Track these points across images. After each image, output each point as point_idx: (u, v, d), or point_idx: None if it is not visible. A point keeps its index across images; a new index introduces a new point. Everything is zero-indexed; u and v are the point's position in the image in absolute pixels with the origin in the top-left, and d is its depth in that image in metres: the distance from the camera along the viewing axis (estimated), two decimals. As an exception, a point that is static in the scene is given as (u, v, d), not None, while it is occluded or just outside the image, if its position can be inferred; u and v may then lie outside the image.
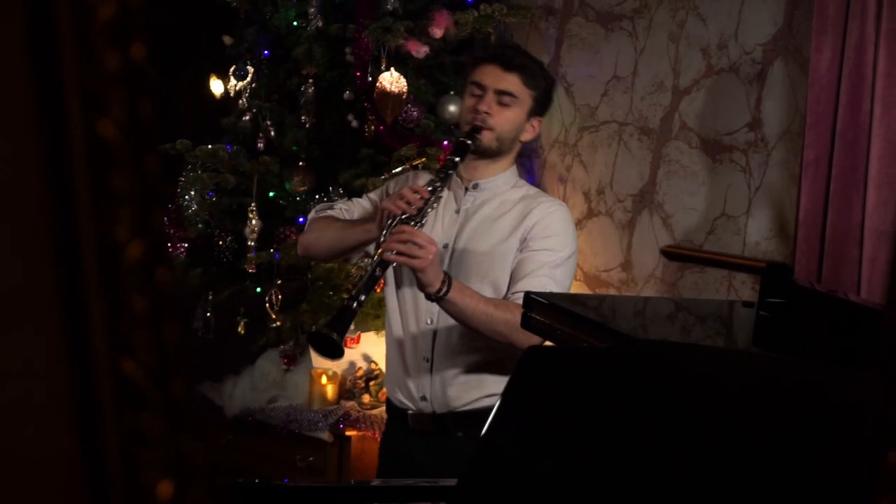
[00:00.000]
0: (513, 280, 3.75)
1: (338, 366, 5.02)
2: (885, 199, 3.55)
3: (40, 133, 0.77)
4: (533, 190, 4.01)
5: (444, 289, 3.54)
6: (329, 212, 4.09)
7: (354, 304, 3.50)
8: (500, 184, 3.92)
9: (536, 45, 5.40)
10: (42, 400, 0.79)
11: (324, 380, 4.94)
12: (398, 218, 3.59)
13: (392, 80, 4.89)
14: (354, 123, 5.15)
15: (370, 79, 4.97)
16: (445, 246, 3.85)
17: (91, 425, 0.80)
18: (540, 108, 3.90)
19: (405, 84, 4.92)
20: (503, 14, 5.05)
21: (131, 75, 0.78)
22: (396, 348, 3.94)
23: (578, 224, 5.09)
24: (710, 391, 1.86)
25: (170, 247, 5.41)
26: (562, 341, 2.75)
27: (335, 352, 3.48)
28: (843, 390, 1.71)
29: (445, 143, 4.96)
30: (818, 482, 1.62)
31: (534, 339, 3.42)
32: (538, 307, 2.87)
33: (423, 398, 3.85)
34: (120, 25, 0.78)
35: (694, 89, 4.57)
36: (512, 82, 3.81)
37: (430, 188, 3.65)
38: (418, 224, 3.59)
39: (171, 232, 5.40)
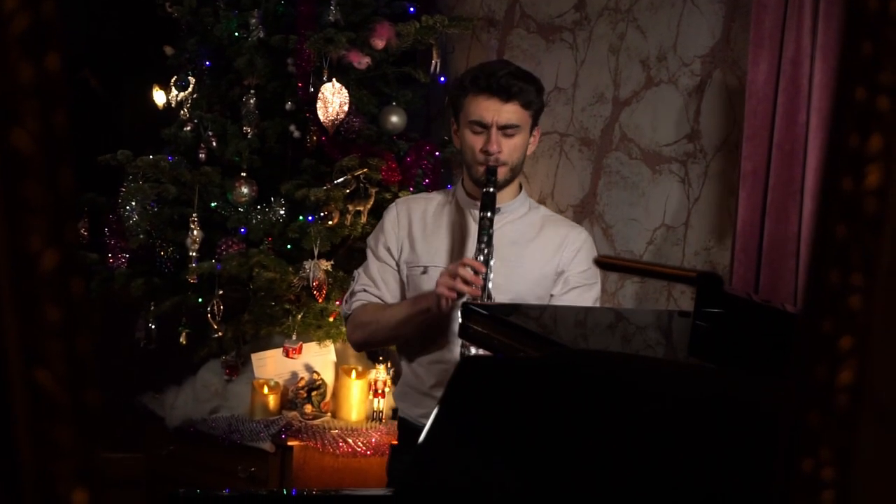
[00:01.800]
0: None
1: (280, 376, 5.01)
2: (812, 220, 3.59)
3: (-47, 143, 0.77)
4: (547, 211, 4.02)
5: None
6: (361, 298, 3.96)
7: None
8: (517, 206, 3.89)
9: (478, 57, 5.41)
10: (-44, 410, 0.79)
11: (265, 390, 4.93)
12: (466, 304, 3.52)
13: (334, 91, 4.89)
14: (296, 134, 5.14)
15: (312, 89, 4.97)
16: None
17: (5, 435, 0.80)
18: (538, 119, 3.85)
19: (347, 95, 4.92)
20: (445, 25, 5.06)
21: (46, 86, 0.78)
22: (421, 368, 3.88)
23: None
24: (640, 401, 1.87)
25: (111, 258, 5.38)
26: (500, 351, 2.75)
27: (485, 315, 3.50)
28: (772, 400, 1.73)
29: (387, 153, 4.96)
30: (743, 490, 1.64)
31: None
32: (475, 317, 2.88)
33: None
34: (34, 36, 0.78)
35: (634, 101, 4.60)
36: (513, 113, 3.70)
37: (481, 258, 3.60)
38: (486, 301, 3.56)
39: (112, 242, 5.38)
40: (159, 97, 5.61)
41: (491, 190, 3.68)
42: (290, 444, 4.80)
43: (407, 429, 3.93)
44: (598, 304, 3.80)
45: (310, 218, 4.92)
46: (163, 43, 5.61)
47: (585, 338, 3.08)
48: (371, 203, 4.87)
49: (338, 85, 4.91)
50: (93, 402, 0.82)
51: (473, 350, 3.44)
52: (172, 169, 5.15)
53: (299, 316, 5.01)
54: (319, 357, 5.06)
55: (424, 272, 3.85)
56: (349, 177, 4.85)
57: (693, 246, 4.30)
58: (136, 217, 5.19)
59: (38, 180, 0.77)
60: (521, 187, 3.95)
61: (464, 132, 3.79)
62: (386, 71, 5.22)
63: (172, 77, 5.47)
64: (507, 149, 3.72)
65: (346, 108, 4.92)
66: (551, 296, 3.78)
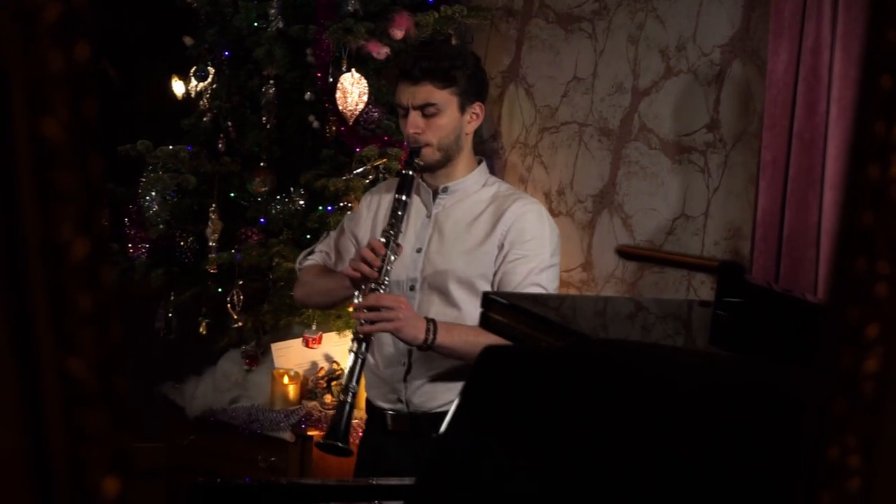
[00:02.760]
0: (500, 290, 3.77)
1: (300, 366, 5.02)
2: (838, 207, 3.58)
3: (-16, 133, 0.77)
4: (504, 187, 4.02)
5: (431, 336, 3.57)
6: (312, 259, 4.10)
7: (349, 398, 3.56)
8: (469, 184, 3.93)
9: (497, 47, 5.41)
10: (-13, 398, 0.80)
11: (286, 380, 4.94)
12: (363, 287, 3.63)
13: (353, 81, 4.90)
14: (315, 124, 5.15)
15: (331, 80, 4.97)
16: (419, 250, 3.86)
17: (36, 424, 0.80)
18: (471, 95, 3.88)
19: (366, 85, 4.92)
20: (463, 15, 5.06)
21: (75, 75, 0.79)
22: (376, 351, 3.94)
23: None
24: (664, 391, 1.87)
25: (131, 248, 5.39)
26: (520, 341, 2.76)
27: (345, 453, 3.63)
28: (797, 390, 1.73)
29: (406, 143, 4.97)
30: (769, 480, 1.64)
31: None
32: (497, 307, 2.88)
33: (399, 400, 3.86)
34: (65, 25, 0.78)
35: (653, 90, 4.59)
36: (425, 92, 3.80)
37: (384, 240, 3.66)
38: (382, 284, 3.61)
39: (132, 233, 5.39)
40: (178, 87, 5.62)
41: (408, 172, 3.76)
42: (309, 433, 4.82)
43: (368, 409, 4.09)
44: (544, 276, 3.75)
45: (329, 208, 4.92)
46: (182, 33, 5.62)
47: (605, 327, 3.08)
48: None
49: (357, 75, 4.91)
50: (123, 390, 0.82)
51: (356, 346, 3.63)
52: (192, 159, 5.16)
53: (318, 306, 5.02)
54: (339, 347, 5.07)
55: None
56: (368, 167, 4.85)
57: (712, 236, 4.29)
58: (155, 207, 5.21)
59: (67, 169, 0.78)
60: (479, 164, 3.98)
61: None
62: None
63: (191, 67, 5.48)
64: (431, 128, 3.80)
65: (365, 98, 4.92)
66: (495, 273, 3.80)
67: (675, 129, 4.48)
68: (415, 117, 3.80)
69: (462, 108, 3.84)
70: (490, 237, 3.80)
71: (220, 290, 5.19)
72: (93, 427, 0.81)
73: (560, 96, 5.08)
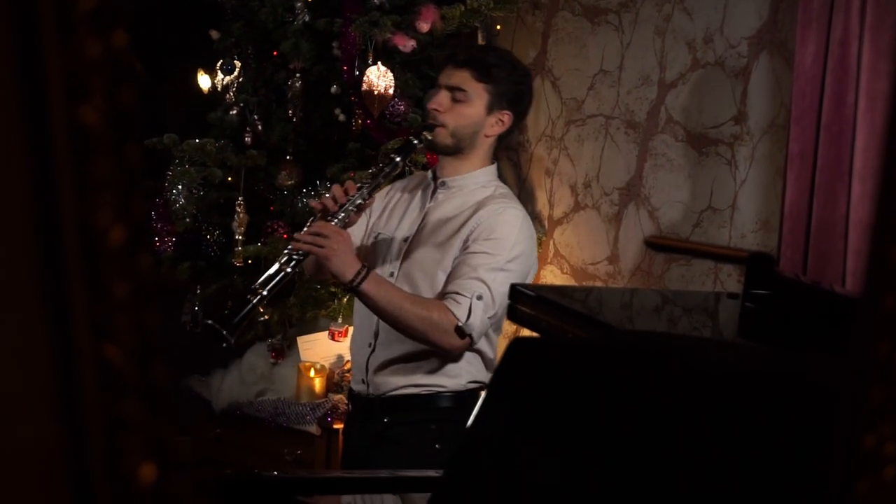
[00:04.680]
0: (448, 280, 3.75)
1: (325, 359, 5.03)
2: (869, 192, 3.57)
3: (22, 120, 0.77)
4: (501, 191, 3.98)
5: (358, 280, 3.58)
6: None
7: (256, 299, 3.56)
8: (468, 183, 3.92)
9: (523, 40, 5.41)
10: (24, 385, 0.80)
11: (312, 373, 4.94)
12: (318, 215, 3.67)
13: (379, 75, 4.90)
14: (342, 118, 5.15)
15: (357, 73, 4.97)
16: (405, 239, 3.88)
17: (73, 410, 0.80)
18: (502, 101, 3.87)
19: (392, 78, 4.92)
20: (490, 8, 5.05)
21: (113, 62, 0.79)
22: (354, 334, 4.03)
23: (565, 218, 5.10)
24: (695, 382, 1.87)
25: (157, 241, 5.40)
26: (547, 333, 2.75)
27: (225, 342, 3.58)
28: (828, 379, 1.72)
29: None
30: (803, 469, 1.63)
31: (454, 341, 3.53)
32: (524, 298, 2.87)
33: (363, 381, 3.89)
34: (102, 13, 0.78)
35: (680, 83, 4.59)
36: (461, 77, 3.82)
37: (360, 186, 3.68)
38: (338, 220, 3.62)
39: (159, 226, 5.40)
40: (204, 81, 5.63)
41: (414, 140, 3.78)
42: (336, 427, 4.82)
43: (350, 397, 4.12)
44: (493, 276, 3.73)
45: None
46: (208, 27, 5.62)
47: (631, 320, 3.08)
48: (416, 186, 4.87)
49: (383, 68, 4.91)
50: (160, 376, 0.82)
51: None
52: (218, 153, 5.17)
53: (345, 299, 5.03)
54: (365, 340, 5.08)
55: (375, 238, 4.01)
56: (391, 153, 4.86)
57: (739, 229, 4.28)
58: (182, 201, 5.22)
59: (106, 156, 0.78)
60: (483, 165, 3.96)
61: None
62: (431, 54, 5.20)
63: (218, 61, 5.49)
64: (452, 113, 3.82)
65: (391, 91, 4.92)
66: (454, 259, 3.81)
67: (702, 121, 4.47)
68: (442, 96, 3.82)
69: (490, 109, 3.84)
70: (459, 232, 3.81)
71: (246, 283, 5.20)
72: (129, 414, 0.81)
73: (586, 89, 5.07)
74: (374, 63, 4.92)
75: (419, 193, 3.99)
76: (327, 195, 3.70)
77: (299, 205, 5.08)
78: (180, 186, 5.21)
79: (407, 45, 4.99)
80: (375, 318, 3.80)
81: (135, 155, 0.79)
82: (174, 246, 5.39)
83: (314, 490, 2.92)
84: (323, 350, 5.07)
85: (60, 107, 0.77)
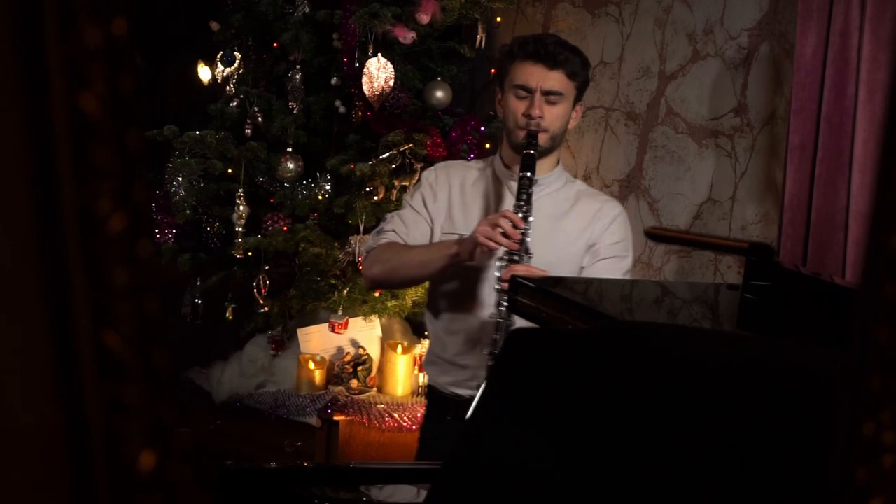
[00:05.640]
0: None
1: (325, 351, 5.03)
2: (869, 183, 3.57)
3: (22, 107, 0.77)
4: (584, 185, 4.01)
5: None
6: (388, 237, 4.00)
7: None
8: (554, 179, 3.91)
9: (523, 31, 5.40)
10: (24, 372, 0.80)
11: (311, 365, 4.95)
12: (504, 256, 3.58)
13: (379, 66, 4.90)
14: (342, 109, 5.15)
15: (357, 65, 4.98)
16: None
17: (73, 398, 0.80)
18: (581, 94, 3.87)
19: (392, 70, 4.92)
20: (490, 0, 5.05)
21: (113, 50, 0.79)
22: (452, 338, 3.89)
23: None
24: (694, 372, 1.87)
25: (158, 233, 5.41)
26: (547, 324, 2.75)
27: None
28: (827, 369, 1.73)
29: (433, 128, 4.96)
30: (802, 458, 1.64)
31: None
32: (524, 290, 2.88)
33: (477, 387, 3.82)
34: (102, 1, 0.78)
35: (680, 75, 4.59)
36: (558, 80, 3.75)
37: (521, 215, 3.62)
38: (528, 255, 3.59)
39: (159, 218, 5.40)
40: (204, 73, 5.63)
41: (532, 152, 3.72)
42: (336, 418, 4.82)
43: (435, 396, 3.99)
44: (627, 277, 3.78)
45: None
46: (208, 19, 5.63)
47: (632, 311, 3.07)
48: (416, 178, 4.86)
49: (383, 60, 4.91)
50: (161, 363, 0.82)
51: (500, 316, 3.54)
52: (218, 144, 5.17)
53: (345, 291, 5.03)
54: (365, 332, 5.08)
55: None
56: (394, 152, 4.86)
57: (739, 220, 4.29)
58: (182, 192, 5.22)
59: (106, 143, 0.78)
60: (558, 161, 3.96)
61: (508, 97, 3.82)
62: (431, 46, 5.21)
63: (218, 53, 5.49)
64: (550, 116, 3.75)
65: (391, 83, 4.92)
66: (581, 268, 3.79)
67: (703, 113, 4.47)
68: (541, 101, 3.76)
69: (574, 104, 3.83)
70: (582, 234, 3.79)
71: (246, 275, 5.20)
72: (128, 401, 0.81)
73: (586, 80, 5.07)
74: (374, 54, 4.92)
75: (493, 188, 3.92)
76: (501, 236, 3.56)
77: (299, 196, 5.08)
78: (180, 178, 5.21)
79: (407, 36, 4.99)
80: (494, 324, 3.71)
81: (135, 142, 0.79)
82: (174, 238, 5.40)
83: (314, 480, 2.93)
84: (323, 342, 5.07)
85: (60, 94, 0.77)
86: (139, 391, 0.81)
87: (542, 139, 3.77)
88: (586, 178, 5.02)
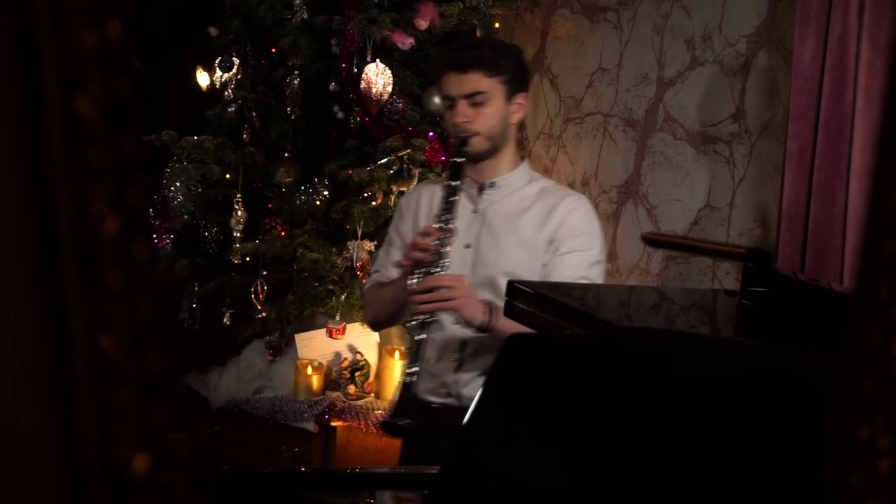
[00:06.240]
0: None
1: (323, 356, 5.03)
2: (867, 189, 3.57)
3: (17, 110, 0.77)
4: (549, 183, 4.01)
5: (490, 318, 3.56)
6: (374, 279, 4.06)
7: (409, 380, 3.55)
8: (516, 179, 3.91)
9: (522, 37, 5.41)
10: (18, 375, 0.80)
11: (309, 370, 4.95)
12: (420, 271, 3.61)
13: (377, 72, 4.90)
14: (340, 115, 5.16)
15: (356, 70, 4.98)
16: (468, 246, 3.84)
17: (67, 400, 0.80)
18: (516, 85, 3.86)
19: (390, 76, 4.92)
20: (488, 6, 5.05)
21: (108, 52, 0.79)
22: (426, 348, 3.92)
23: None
24: (691, 378, 1.87)
25: (156, 238, 5.41)
26: (545, 329, 2.76)
27: (407, 433, 3.60)
28: (824, 375, 1.73)
29: (431, 133, 4.95)
30: (798, 464, 1.64)
31: None
32: (521, 295, 2.88)
33: (450, 394, 3.84)
34: (97, 3, 0.78)
35: (678, 81, 4.59)
36: (474, 81, 3.77)
37: (438, 226, 3.64)
38: (441, 267, 3.60)
39: (157, 223, 5.40)
40: (203, 78, 5.63)
41: (458, 160, 3.75)
42: (333, 424, 4.82)
43: (416, 402, 3.98)
44: (593, 271, 3.75)
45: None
46: (207, 24, 5.63)
47: (629, 317, 3.08)
48: (414, 184, 4.87)
49: (381, 66, 4.91)
50: (154, 367, 0.82)
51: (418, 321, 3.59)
52: (216, 150, 5.18)
53: (343, 296, 5.03)
54: (363, 338, 5.07)
55: None
56: (392, 157, 4.86)
57: (737, 227, 4.29)
58: (180, 198, 5.23)
59: (100, 146, 0.78)
60: (522, 159, 3.97)
61: (444, 111, 3.91)
62: (429, 52, 5.21)
63: (216, 58, 5.49)
64: (479, 118, 3.77)
65: (389, 88, 4.93)
66: (543, 265, 3.78)
67: (701, 119, 4.47)
68: (463, 107, 3.77)
69: (508, 98, 3.82)
70: (541, 231, 3.79)
71: (244, 280, 5.20)
72: (122, 404, 0.81)
73: (585, 87, 5.08)
74: (373, 60, 4.93)
75: (458, 198, 3.94)
76: (415, 251, 3.62)
77: (297, 202, 5.08)
78: (178, 183, 5.21)
79: (405, 42, 5.00)
80: (463, 331, 3.76)
81: (130, 145, 0.79)
82: (172, 243, 5.40)
83: (311, 485, 2.93)
84: (321, 347, 5.07)
85: (55, 97, 0.77)
86: (132, 394, 0.81)
87: (477, 142, 3.79)
88: (584, 184, 5.03)
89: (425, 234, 3.63)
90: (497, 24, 5.39)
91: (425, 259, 3.60)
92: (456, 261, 3.78)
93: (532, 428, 2.07)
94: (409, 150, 4.87)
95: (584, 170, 5.04)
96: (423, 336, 3.59)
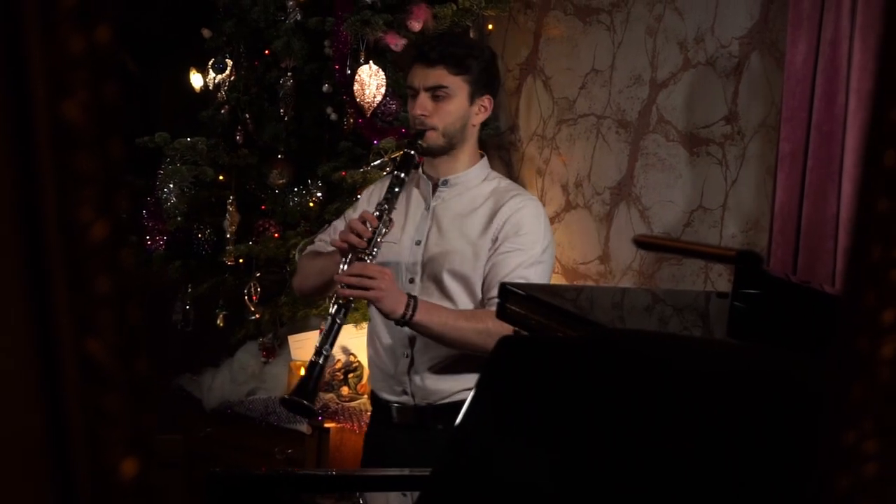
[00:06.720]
0: (487, 286, 3.76)
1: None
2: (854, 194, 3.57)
3: (4, 115, 0.77)
4: (504, 182, 4.01)
5: (409, 312, 3.56)
6: (311, 247, 4.10)
7: (321, 360, 3.54)
8: (470, 178, 3.92)
9: (515, 39, 5.41)
10: (6, 380, 0.80)
11: (302, 372, 4.94)
12: (350, 255, 3.62)
13: (371, 74, 4.90)
14: (333, 116, 5.16)
15: (349, 72, 4.98)
16: (418, 243, 3.86)
17: (55, 405, 0.81)
18: (482, 87, 3.87)
19: (384, 77, 4.93)
20: (481, 7, 5.05)
21: (96, 58, 0.79)
22: (378, 343, 3.94)
23: (556, 217, 5.11)
24: (683, 380, 1.87)
25: (148, 240, 5.41)
26: (537, 332, 2.76)
27: (310, 413, 3.60)
28: (814, 377, 1.73)
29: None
30: (787, 467, 1.64)
31: None
32: (514, 298, 2.88)
33: (405, 392, 3.85)
34: (85, 8, 0.78)
35: (671, 83, 4.59)
36: (438, 75, 3.79)
37: (377, 213, 3.65)
38: (370, 255, 3.60)
39: (150, 225, 5.41)
40: (196, 80, 5.64)
41: (410, 152, 3.79)
42: (326, 425, 4.82)
43: (376, 402, 4.04)
44: (532, 271, 3.74)
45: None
46: (200, 26, 5.63)
47: (622, 318, 3.08)
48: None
49: (375, 67, 4.92)
50: (143, 371, 0.82)
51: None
52: (210, 151, 5.18)
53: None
54: (356, 339, 5.07)
55: (378, 246, 3.90)
56: (386, 159, 4.86)
57: (730, 228, 4.29)
58: (173, 199, 5.23)
59: (88, 151, 0.78)
60: (480, 157, 3.98)
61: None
62: (423, 53, 5.21)
63: (210, 60, 5.50)
64: (439, 113, 3.80)
65: (382, 90, 4.93)
66: (486, 263, 3.79)
67: (693, 121, 4.47)
68: (424, 99, 3.79)
69: (472, 98, 3.83)
70: (486, 231, 3.80)
71: (237, 282, 5.21)
72: (111, 408, 0.82)
73: (578, 88, 5.08)
74: (366, 62, 4.93)
75: (414, 194, 3.95)
76: (350, 234, 3.64)
77: (290, 203, 5.08)
78: (171, 185, 5.22)
79: (399, 44, 5.00)
80: (399, 333, 3.79)
81: (118, 151, 0.80)
82: (165, 244, 5.40)
83: (303, 487, 2.93)
84: (314, 349, 5.06)
85: (43, 102, 0.77)
86: (121, 399, 0.81)
87: (432, 137, 3.81)
88: (577, 186, 5.03)
89: (362, 219, 3.63)
90: (490, 26, 5.40)
91: (357, 244, 3.60)
92: (406, 256, 3.82)
93: (524, 430, 2.07)
94: (401, 152, 4.87)
95: (578, 171, 5.04)
96: (338, 322, 3.59)
